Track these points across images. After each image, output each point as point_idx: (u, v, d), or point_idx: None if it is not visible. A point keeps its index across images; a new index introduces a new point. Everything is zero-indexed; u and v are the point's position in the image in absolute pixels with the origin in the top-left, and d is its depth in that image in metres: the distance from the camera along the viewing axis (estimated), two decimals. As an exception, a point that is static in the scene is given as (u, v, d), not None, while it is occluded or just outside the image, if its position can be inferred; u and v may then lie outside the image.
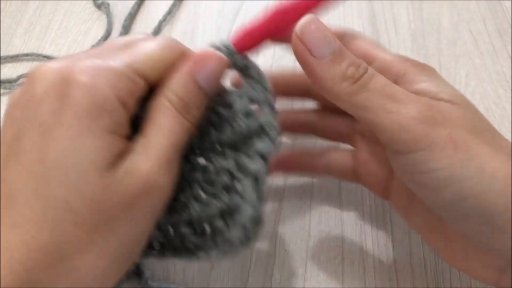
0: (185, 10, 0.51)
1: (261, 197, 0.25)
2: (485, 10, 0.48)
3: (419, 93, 0.24)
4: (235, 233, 0.24)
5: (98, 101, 0.21)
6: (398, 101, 0.23)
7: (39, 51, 0.47)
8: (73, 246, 0.20)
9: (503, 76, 0.43)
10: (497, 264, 0.25)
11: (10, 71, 0.46)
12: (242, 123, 0.25)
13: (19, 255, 0.20)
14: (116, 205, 0.21)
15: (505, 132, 0.39)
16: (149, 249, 0.27)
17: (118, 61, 0.22)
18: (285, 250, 0.34)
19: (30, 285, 0.20)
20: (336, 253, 0.34)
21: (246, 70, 0.27)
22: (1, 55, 0.47)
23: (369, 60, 0.26)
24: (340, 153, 0.33)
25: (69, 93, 0.21)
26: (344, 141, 0.34)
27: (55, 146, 0.20)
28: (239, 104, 0.26)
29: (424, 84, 0.25)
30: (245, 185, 0.24)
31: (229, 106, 0.26)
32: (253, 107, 0.26)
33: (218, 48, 0.26)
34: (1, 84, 0.44)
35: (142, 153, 0.22)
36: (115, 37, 0.48)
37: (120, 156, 0.22)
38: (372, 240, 0.34)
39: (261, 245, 0.34)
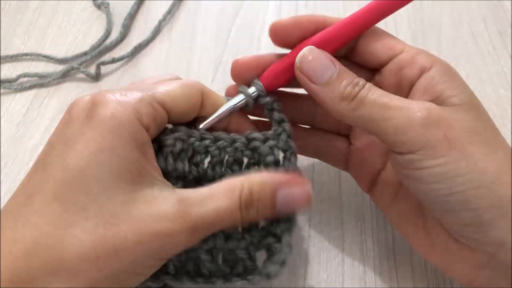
0: (185, 10, 0.51)
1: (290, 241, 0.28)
2: (486, 10, 0.48)
3: (436, 92, 0.26)
4: (272, 269, 0.27)
5: (121, 120, 0.23)
6: (395, 108, 0.25)
7: (39, 51, 0.47)
8: (77, 251, 0.21)
9: (503, 76, 0.43)
10: (478, 259, 0.25)
11: (10, 70, 0.46)
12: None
13: (24, 250, 0.21)
14: (129, 228, 0.22)
15: (505, 132, 0.39)
16: (164, 273, 0.27)
17: (142, 91, 0.25)
18: (285, 250, 0.34)
19: (29, 280, 0.21)
20: (336, 253, 0.34)
21: (281, 122, 0.30)
22: (1, 54, 0.47)
23: (396, 52, 0.28)
24: (337, 139, 0.34)
25: (95, 113, 0.23)
26: (342, 133, 0.34)
27: (78, 156, 0.22)
28: (272, 156, 0.28)
29: (444, 85, 0.26)
30: (282, 229, 0.27)
31: (264, 156, 0.28)
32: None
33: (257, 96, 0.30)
34: (1, 84, 0.44)
35: (179, 203, 0.23)
36: (115, 37, 0.48)
37: (143, 179, 0.23)
38: (372, 240, 0.34)
39: (261, 245, 0.34)
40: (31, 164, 0.39)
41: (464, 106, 0.25)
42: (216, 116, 0.29)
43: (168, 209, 0.23)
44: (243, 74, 0.31)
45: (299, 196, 0.26)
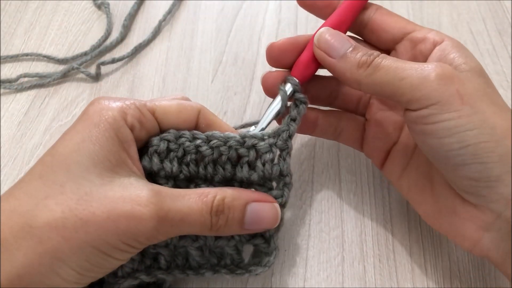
0: (185, 10, 0.51)
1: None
2: (485, 10, 0.48)
3: (448, 60, 0.28)
4: (259, 270, 0.29)
5: (106, 117, 0.26)
6: (410, 68, 0.27)
7: (39, 51, 0.47)
8: (46, 219, 0.23)
9: (503, 76, 0.43)
10: (483, 219, 0.27)
11: (10, 71, 0.46)
12: (269, 169, 0.29)
13: (3, 218, 0.23)
14: (100, 206, 0.24)
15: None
16: (156, 268, 0.29)
17: (134, 99, 0.28)
18: (285, 250, 0.34)
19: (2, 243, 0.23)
20: (336, 253, 0.34)
21: (294, 120, 0.31)
22: (1, 55, 0.47)
23: (408, 31, 0.31)
24: (355, 117, 0.35)
25: (87, 110, 0.27)
26: (358, 111, 0.35)
27: (65, 145, 0.25)
28: (269, 154, 0.29)
29: (455, 54, 0.28)
30: (270, 232, 0.29)
31: (262, 153, 0.29)
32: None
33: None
34: (1, 84, 0.44)
35: (153, 194, 0.25)
36: (115, 37, 0.48)
37: (121, 170, 0.26)
38: (372, 240, 0.34)
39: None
40: (31, 164, 0.39)
41: (474, 72, 0.27)
42: (267, 120, 0.31)
43: (141, 194, 0.25)
44: (280, 59, 0.32)
45: (268, 214, 0.28)
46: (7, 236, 0.23)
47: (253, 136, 0.29)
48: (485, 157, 0.25)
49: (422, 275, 0.32)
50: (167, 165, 0.28)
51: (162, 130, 0.29)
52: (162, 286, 0.31)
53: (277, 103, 0.31)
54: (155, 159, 0.28)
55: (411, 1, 0.49)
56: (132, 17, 0.50)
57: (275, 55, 0.32)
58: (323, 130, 0.35)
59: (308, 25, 0.48)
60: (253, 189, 0.30)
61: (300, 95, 0.31)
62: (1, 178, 0.39)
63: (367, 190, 0.37)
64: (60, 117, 0.42)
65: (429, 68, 0.26)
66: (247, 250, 0.31)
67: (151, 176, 0.28)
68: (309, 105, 0.32)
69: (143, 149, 0.28)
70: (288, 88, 0.31)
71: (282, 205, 0.29)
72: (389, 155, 0.33)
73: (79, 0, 0.52)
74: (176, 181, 0.29)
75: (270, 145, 0.29)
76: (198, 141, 0.28)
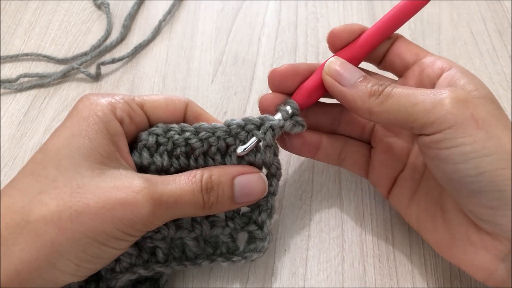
0: (185, 10, 0.51)
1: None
2: (485, 10, 0.48)
3: (459, 87, 0.27)
4: (254, 256, 0.31)
5: (95, 111, 0.26)
6: (422, 93, 0.26)
7: (39, 51, 0.47)
8: (41, 213, 0.23)
9: (503, 76, 0.43)
10: (499, 248, 0.26)
11: (10, 70, 0.46)
12: (252, 156, 0.30)
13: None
14: (94, 197, 0.24)
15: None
16: (155, 262, 0.30)
17: (123, 94, 0.28)
18: (285, 250, 0.34)
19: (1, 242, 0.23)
20: (336, 253, 0.34)
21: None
22: (1, 55, 0.47)
23: (419, 57, 0.31)
24: (360, 145, 0.35)
25: (76, 106, 0.27)
26: (363, 138, 0.35)
27: (54, 141, 0.26)
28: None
29: (464, 81, 0.28)
30: (263, 218, 0.31)
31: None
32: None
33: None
34: (1, 84, 0.44)
35: (144, 180, 0.26)
36: (115, 37, 0.48)
37: (111, 163, 0.26)
38: (372, 240, 0.34)
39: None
40: (31, 164, 0.39)
41: (486, 98, 0.26)
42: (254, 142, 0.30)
43: (133, 182, 0.25)
44: (281, 84, 0.32)
45: (255, 184, 0.29)
46: (2, 233, 0.23)
47: (238, 125, 0.29)
48: (502, 184, 0.24)
49: (422, 275, 0.32)
50: (157, 159, 0.28)
51: (151, 124, 0.29)
52: (159, 282, 0.31)
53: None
54: (145, 154, 0.28)
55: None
56: (132, 17, 0.50)
57: (277, 81, 0.31)
58: (327, 154, 0.34)
59: (308, 25, 0.48)
60: None
61: (298, 118, 0.31)
62: (1, 178, 0.39)
63: (367, 190, 0.37)
64: (60, 117, 0.42)
65: (442, 93, 0.26)
66: (242, 239, 0.32)
67: (142, 171, 0.29)
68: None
69: (133, 144, 0.29)
70: (288, 109, 0.30)
71: (272, 193, 0.31)
72: (395, 182, 0.33)
73: (79, 0, 0.52)
74: (167, 174, 0.29)
75: (248, 132, 0.29)
76: (187, 134, 0.29)
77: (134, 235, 0.26)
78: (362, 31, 0.31)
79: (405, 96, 0.27)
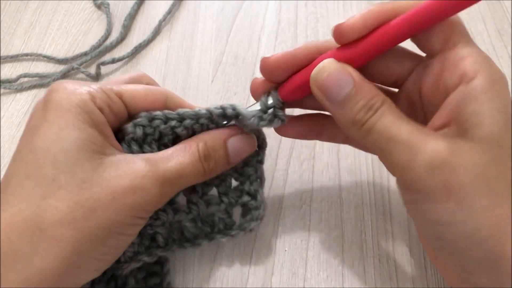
0: (185, 10, 0.50)
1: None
2: (485, 10, 0.48)
3: (462, 117, 0.22)
4: (252, 225, 0.32)
5: (76, 101, 0.25)
6: (400, 143, 0.23)
7: (39, 51, 0.47)
8: (54, 218, 0.23)
9: (503, 76, 0.43)
10: None
11: (10, 71, 0.46)
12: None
13: (4, 227, 0.22)
14: (101, 189, 0.24)
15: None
16: (156, 247, 0.30)
17: (100, 83, 0.27)
18: (285, 250, 0.34)
19: (12, 254, 0.22)
20: (336, 253, 0.34)
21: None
22: (1, 55, 0.47)
23: (447, 46, 0.24)
24: None
25: (52, 98, 0.25)
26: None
27: (42, 138, 0.24)
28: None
29: (475, 108, 0.22)
30: (255, 188, 0.32)
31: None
32: None
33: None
34: (1, 84, 0.44)
35: (145, 162, 0.26)
36: (115, 37, 0.48)
37: (105, 150, 0.25)
38: (372, 240, 0.34)
39: (261, 245, 0.34)
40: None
41: (485, 143, 0.22)
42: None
43: (134, 166, 0.25)
44: (273, 74, 0.29)
45: (245, 142, 0.30)
46: (19, 245, 0.22)
47: (220, 114, 0.29)
48: (462, 255, 0.23)
49: (422, 275, 0.32)
50: (146, 149, 0.28)
51: (130, 115, 0.29)
52: (164, 269, 0.32)
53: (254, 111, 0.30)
54: (134, 146, 0.28)
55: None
56: (132, 17, 0.50)
57: (267, 70, 0.29)
58: (332, 134, 0.32)
59: (308, 25, 0.48)
60: None
61: (279, 112, 0.29)
62: (1, 178, 0.39)
63: (367, 190, 0.37)
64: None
65: (420, 150, 0.22)
66: (237, 215, 0.33)
67: None
68: (317, 111, 0.32)
69: (117, 137, 0.28)
70: (270, 102, 0.29)
71: (260, 162, 0.32)
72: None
73: (79, 0, 0.52)
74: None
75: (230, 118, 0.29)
76: (173, 123, 0.29)
77: (145, 217, 0.26)
78: (380, 24, 0.25)
79: (384, 139, 0.24)
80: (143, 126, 0.28)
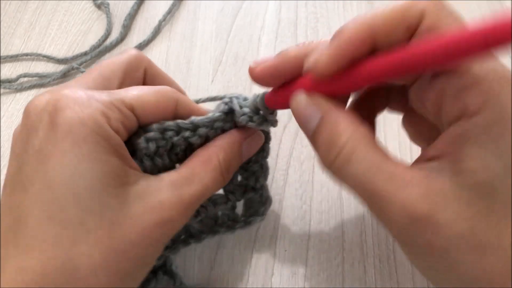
0: (185, 10, 0.50)
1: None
2: (485, 10, 0.48)
3: (458, 156, 0.19)
4: (256, 219, 0.32)
5: (91, 125, 0.22)
6: (373, 193, 0.20)
7: (39, 51, 0.47)
8: (89, 266, 0.21)
9: (503, 76, 0.43)
10: None
11: (10, 70, 0.46)
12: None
13: (35, 277, 0.20)
14: (132, 228, 0.22)
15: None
16: (163, 249, 0.30)
17: (109, 94, 0.24)
18: (285, 250, 0.34)
19: None
20: (336, 253, 0.34)
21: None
22: (1, 54, 0.47)
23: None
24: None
25: (60, 120, 0.21)
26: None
27: (58, 170, 0.21)
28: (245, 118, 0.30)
29: (472, 151, 0.19)
30: (260, 183, 0.32)
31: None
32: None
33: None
34: (1, 84, 0.44)
35: (170, 189, 0.24)
36: (115, 37, 0.48)
37: (128, 178, 0.23)
38: (372, 240, 0.34)
39: (261, 245, 0.34)
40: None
41: (476, 192, 0.19)
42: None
43: (163, 197, 0.24)
44: (263, 83, 0.26)
45: (257, 142, 0.30)
46: None
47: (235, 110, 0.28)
48: None
49: (422, 276, 0.32)
50: (158, 161, 0.27)
51: (140, 125, 0.26)
52: (173, 266, 0.32)
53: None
54: (147, 162, 0.26)
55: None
56: (132, 17, 0.50)
57: (256, 80, 0.26)
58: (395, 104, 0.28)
59: (308, 25, 0.48)
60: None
61: (269, 117, 0.28)
62: (1, 178, 0.39)
63: (367, 190, 0.37)
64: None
65: (395, 205, 0.20)
66: (240, 207, 0.33)
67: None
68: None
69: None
70: (259, 105, 0.28)
71: (265, 157, 0.32)
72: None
73: (79, 0, 0.52)
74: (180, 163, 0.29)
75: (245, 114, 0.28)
76: (187, 133, 0.27)
77: (168, 241, 0.26)
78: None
79: (356, 188, 0.21)
80: (156, 139, 0.26)
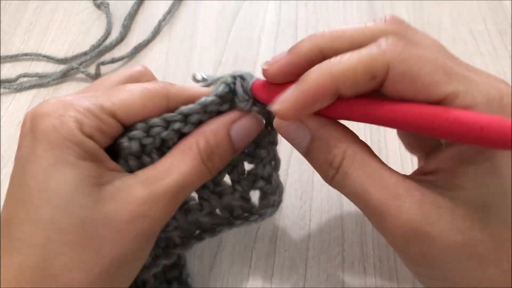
0: (185, 10, 0.50)
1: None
2: (486, 10, 0.48)
3: (453, 173, 0.20)
4: (269, 211, 0.30)
5: (64, 133, 0.23)
6: (371, 207, 0.21)
7: (39, 51, 0.47)
8: (62, 263, 0.22)
9: (503, 76, 0.43)
10: None
11: (9, 70, 0.46)
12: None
13: (14, 275, 0.21)
14: (103, 225, 0.22)
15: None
16: (173, 246, 0.29)
17: (90, 100, 0.24)
18: (285, 250, 0.34)
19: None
20: (336, 253, 0.34)
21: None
22: (1, 55, 0.47)
23: (429, 94, 0.20)
24: None
25: (37, 127, 0.23)
26: None
27: (33, 175, 0.22)
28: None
29: (479, 170, 0.20)
30: (269, 171, 0.29)
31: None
32: None
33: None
34: (1, 84, 0.44)
35: (142, 185, 0.24)
36: (115, 37, 0.48)
37: (102, 179, 0.23)
38: (372, 240, 0.34)
39: (261, 245, 0.34)
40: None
41: (473, 205, 0.20)
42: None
43: (134, 193, 0.23)
44: (276, 81, 0.25)
45: (250, 124, 0.26)
46: None
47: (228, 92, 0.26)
48: None
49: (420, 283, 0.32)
50: (146, 160, 0.26)
51: (127, 127, 0.25)
52: (181, 260, 0.32)
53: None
54: (132, 161, 0.25)
55: (411, 1, 0.49)
56: (132, 17, 0.50)
57: (270, 79, 0.25)
58: None
59: (308, 25, 0.48)
60: None
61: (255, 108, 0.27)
62: (1, 178, 0.39)
63: (367, 190, 0.37)
64: (60, 117, 0.42)
65: (391, 218, 0.20)
66: (256, 198, 0.31)
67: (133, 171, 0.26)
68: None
69: (113, 149, 0.26)
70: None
71: (272, 143, 0.29)
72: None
73: (79, 0, 0.52)
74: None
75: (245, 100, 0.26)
76: (177, 125, 0.25)
77: (153, 238, 0.25)
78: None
79: (356, 202, 0.22)
80: (139, 138, 0.25)
